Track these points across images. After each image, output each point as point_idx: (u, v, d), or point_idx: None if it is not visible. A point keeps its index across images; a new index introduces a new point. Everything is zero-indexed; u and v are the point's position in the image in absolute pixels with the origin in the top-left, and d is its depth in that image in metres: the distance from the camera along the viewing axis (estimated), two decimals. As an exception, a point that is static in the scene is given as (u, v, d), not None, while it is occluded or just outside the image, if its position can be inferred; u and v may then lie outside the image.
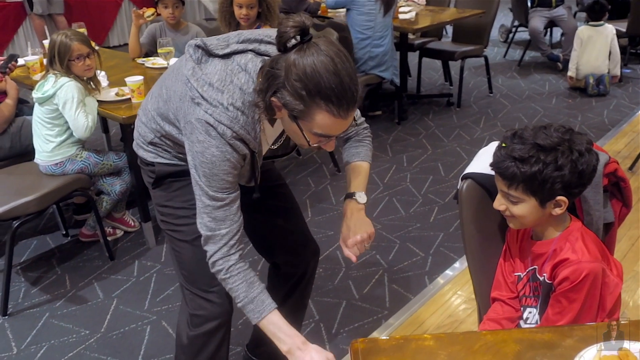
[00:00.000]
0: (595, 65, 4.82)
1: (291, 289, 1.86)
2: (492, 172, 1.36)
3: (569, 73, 4.97)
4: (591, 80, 4.79)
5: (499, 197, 1.27)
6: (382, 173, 3.61)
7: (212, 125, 1.23)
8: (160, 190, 1.53)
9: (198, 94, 1.24)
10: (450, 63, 5.19)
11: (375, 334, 2.23)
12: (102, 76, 2.86)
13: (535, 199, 1.21)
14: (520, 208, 1.23)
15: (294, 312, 1.82)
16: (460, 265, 2.64)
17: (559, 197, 1.20)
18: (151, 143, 1.48)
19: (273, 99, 1.18)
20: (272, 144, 1.51)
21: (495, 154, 1.26)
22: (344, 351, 2.15)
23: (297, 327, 1.90)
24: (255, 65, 1.26)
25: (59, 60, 2.44)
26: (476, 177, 1.39)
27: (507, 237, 1.41)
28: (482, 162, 1.40)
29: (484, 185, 1.39)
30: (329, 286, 2.53)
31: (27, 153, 2.81)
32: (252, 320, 1.32)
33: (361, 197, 1.55)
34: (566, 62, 5.25)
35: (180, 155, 1.46)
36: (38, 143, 2.57)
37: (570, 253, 1.20)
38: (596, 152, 1.23)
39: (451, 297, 2.44)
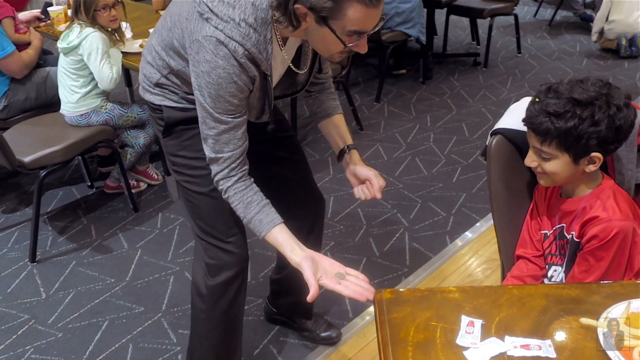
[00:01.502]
0: (627, 24, 4.64)
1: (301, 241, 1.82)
2: (523, 128, 1.33)
3: (594, 35, 4.80)
4: (623, 42, 4.62)
5: (530, 153, 1.25)
6: (405, 132, 3.57)
7: (222, 42, 1.16)
8: (171, 139, 1.48)
9: (207, 8, 1.17)
10: (478, 22, 5.04)
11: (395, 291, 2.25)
12: (126, 28, 2.84)
13: (568, 155, 1.18)
14: (552, 164, 1.20)
15: None
16: (482, 226, 2.63)
17: (593, 154, 1.16)
18: (157, 84, 1.43)
19: (297, 5, 1.11)
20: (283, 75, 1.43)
21: (528, 109, 1.22)
22: (364, 306, 2.17)
23: None
24: None
25: (85, 10, 2.42)
26: (506, 133, 1.35)
27: (535, 195, 1.39)
28: (513, 117, 1.37)
29: (514, 141, 1.36)
30: (350, 243, 2.55)
31: (52, 104, 2.83)
32: (257, 233, 1.31)
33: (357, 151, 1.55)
34: (599, 22, 5.08)
35: (189, 97, 1.41)
36: (63, 94, 2.58)
37: (600, 211, 1.18)
38: (634, 107, 1.19)
39: (471, 257, 2.44)
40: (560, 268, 1.32)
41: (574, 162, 1.19)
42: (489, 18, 4.47)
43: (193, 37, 1.19)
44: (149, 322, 2.14)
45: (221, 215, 1.48)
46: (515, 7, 4.59)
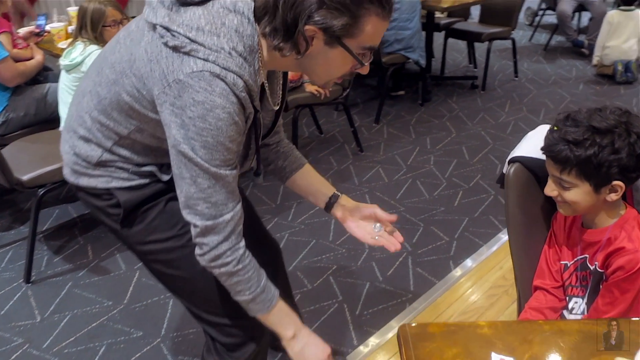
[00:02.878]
0: (623, 50, 4.70)
1: None
2: (541, 156, 1.31)
3: (595, 58, 4.86)
4: (619, 67, 4.67)
5: (550, 182, 1.23)
6: (405, 154, 3.56)
7: (218, 76, 0.96)
8: (134, 227, 1.22)
9: (187, 39, 0.97)
10: (475, 45, 5.08)
11: (400, 317, 2.21)
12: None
13: (589, 183, 1.16)
14: (573, 194, 1.18)
15: None
16: (485, 252, 2.60)
17: (615, 182, 1.15)
18: (99, 164, 1.16)
19: (308, 27, 0.97)
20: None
21: (547, 137, 1.21)
22: (369, 333, 2.13)
23: None
24: (247, 3, 1.01)
25: (92, 26, 2.38)
26: (524, 161, 1.34)
27: (553, 224, 1.37)
28: (530, 145, 1.36)
29: (532, 170, 1.34)
30: (352, 267, 2.51)
31: (52, 120, 2.79)
32: (261, 311, 1.18)
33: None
34: (591, 48, 5.14)
35: (142, 170, 1.18)
36: (64, 111, 2.54)
37: (626, 242, 1.16)
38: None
39: (475, 283, 2.41)
40: (581, 300, 1.29)
41: (595, 191, 1.17)
42: (487, 42, 4.51)
43: (169, 78, 0.97)
44: (148, 347, 2.08)
45: (223, 288, 1.26)
46: (512, 32, 4.63)
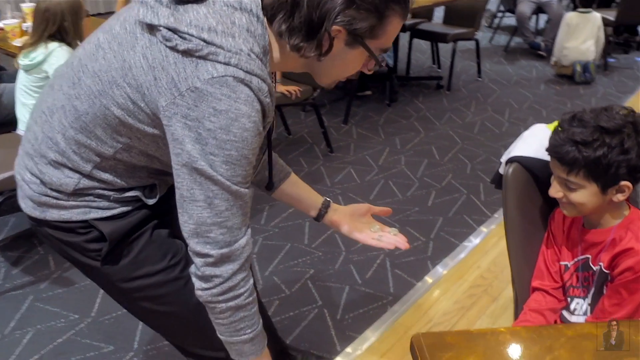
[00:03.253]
0: (581, 51, 4.83)
1: None
2: (539, 156, 1.29)
3: (553, 59, 4.98)
4: (578, 68, 4.80)
5: (554, 184, 1.20)
6: (375, 155, 3.53)
7: (243, 81, 0.86)
8: (120, 263, 1.07)
9: (202, 42, 0.86)
10: (438, 45, 5.12)
11: (381, 320, 2.16)
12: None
13: (596, 184, 1.14)
14: (579, 195, 1.16)
15: None
16: (462, 251, 2.59)
17: (622, 183, 1.13)
18: (76, 192, 1.01)
19: (336, 27, 0.91)
20: None
21: (552, 138, 1.18)
22: (351, 338, 2.07)
23: None
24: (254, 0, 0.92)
25: (74, 20, 2.22)
26: (523, 161, 1.31)
27: (551, 225, 1.35)
28: (527, 145, 1.33)
29: (531, 170, 1.31)
30: (330, 270, 2.45)
31: (8, 123, 2.61)
32: (254, 354, 1.08)
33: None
34: (548, 50, 5.28)
35: (125, 195, 1.03)
36: (22, 113, 2.38)
37: (634, 242, 1.14)
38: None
39: (455, 283, 2.39)
40: (582, 300, 1.27)
41: (602, 192, 1.15)
42: (451, 42, 4.54)
43: (181, 87, 0.86)
44: (121, 362, 1.96)
45: None
46: (476, 33, 4.68)
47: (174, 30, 0.86)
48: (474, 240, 2.66)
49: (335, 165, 3.37)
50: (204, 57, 0.86)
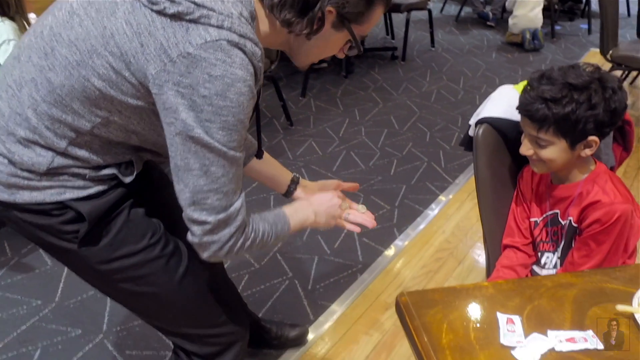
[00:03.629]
0: (530, 19, 4.93)
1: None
2: (508, 116, 1.31)
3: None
4: (527, 35, 4.90)
5: (525, 141, 1.23)
6: (335, 127, 3.52)
7: (237, 45, 0.84)
8: (99, 244, 1.03)
9: (193, 5, 0.83)
10: (391, 16, 5.13)
11: (352, 287, 2.19)
12: (32, 18, 2.53)
13: (565, 140, 1.17)
14: (549, 151, 1.19)
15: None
16: (427, 217, 2.64)
17: (590, 138, 1.16)
18: (50, 172, 0.96)
19: (330, 8, 0.92)
20: None
21: (522, 97, 1.20)
22: (323, 307, 2.09)
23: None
24: None
25: None
26: (492, 122, 1.33)
27: (520, 183, 1.38)
28: (495, 106, 1.35)
29: (500, 130, 1.34)
30: (298, 242, 2.45)
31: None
32: (285, 233, 1.09)
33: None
34: (496, 20, 5.39)
35: (101, 173, 0.99)
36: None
37: (601, 195, 1.18)
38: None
39: (422, 247, 2.44)
40: (552, 254, 1.32)
41: (571, 148, 1.18)
42: (405, 13, 4.55)
43: (172, 53, 0.82)
44: (90, 345, 1.91)
45: (203, 296, 1.17)
46: (429, 2, 4.70)
47: None
48: (436, 207, 2.72)
49: (296, 139, 3.35)
50: (195, 21, 0.83)
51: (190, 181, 0.90)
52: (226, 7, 0.86)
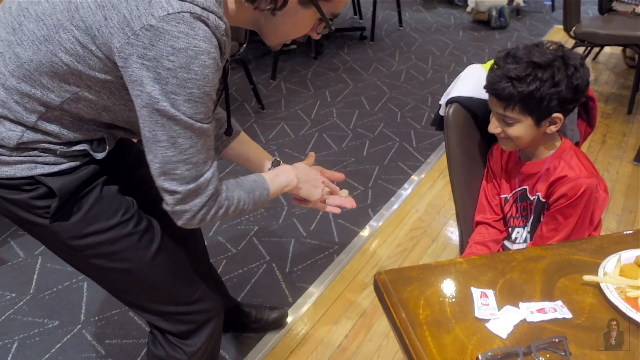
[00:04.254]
0: (496, -4, 4.99)
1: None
2: (477, 95, 1.34)
3: (470, 6, 5.11)
4: (494, 13, 4.95)
5: (493, 120, 1.26)
6: (307, 109, 3.53)
7: (200, 18, 0.84)
8: (71, 219, 1.03)
9: None
10: (360, -4, 5.12)
11: (330, 269, 2.22)
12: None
13: (531, 118, 1.21)
14: (516, 129, 1.23)
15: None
16: (401, 196, 2.68)
17: (554, 114, 1.20)
18: (20, 147, 0.96)
19: None
20: None
21: (489, 76, 1.23)
22: (302, 289, 2.12)
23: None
24: None
25: None
26: (462, 101, 1.36)
27: (489, 160, 1.42)
28: (465, 85, 1.38)
29: (469, 109, 1.37)
30: (274, 226, 2.47)
31: None
32: (265, 199, 1.11)
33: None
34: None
35: (73, 149, 1.00)
36: None
37: (567, 170, 1.23)
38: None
39: (396, 227, 2.48)
40: (522, 229, 1.36)
41: (537, 125, 1.22)
42: (373, -8, 4.55)
43: (134, 25, 0.83)
44: (68, 336, 1.90)
45: (176, 273, 1.17)
46: (396, -19, 4.71)
47: None
48: (409, 187, 2.76)
49: (267, 122, 3.34)
50: None
51: (159, 152, 0.91)
52: None
